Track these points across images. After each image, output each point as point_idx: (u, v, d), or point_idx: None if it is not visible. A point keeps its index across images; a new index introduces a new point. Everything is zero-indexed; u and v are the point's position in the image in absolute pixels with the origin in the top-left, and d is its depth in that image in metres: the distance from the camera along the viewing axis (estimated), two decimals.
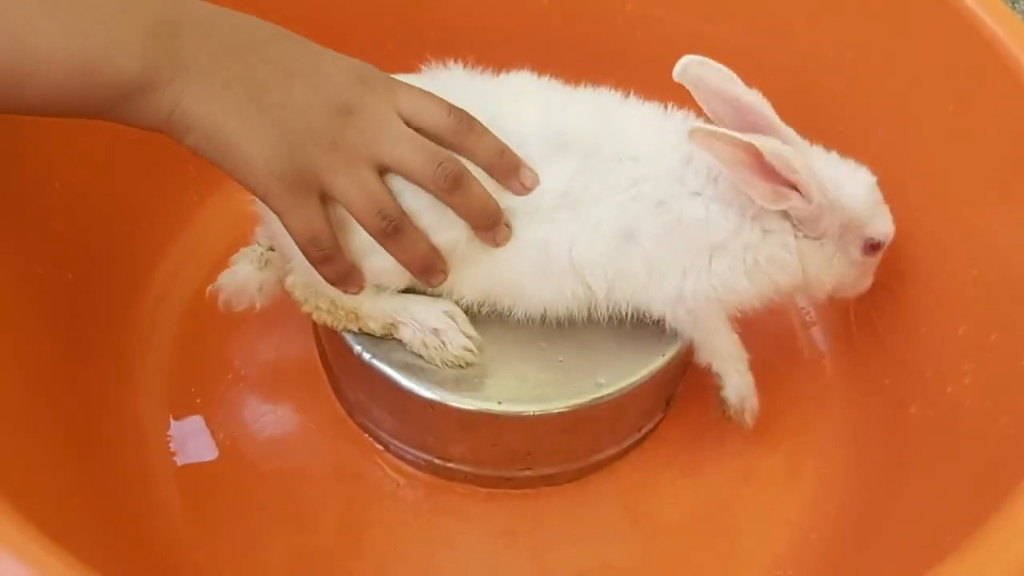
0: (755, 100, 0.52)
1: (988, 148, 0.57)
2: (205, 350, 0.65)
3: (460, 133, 0.49)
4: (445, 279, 0.53)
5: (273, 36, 0.48)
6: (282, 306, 0.59)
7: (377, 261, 0.52)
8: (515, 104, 0.52)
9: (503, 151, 0.50)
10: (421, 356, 0.55)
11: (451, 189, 0.49)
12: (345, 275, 0.52)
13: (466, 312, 0.56)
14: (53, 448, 0.53)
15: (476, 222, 0.51)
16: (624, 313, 0.55)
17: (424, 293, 0.55)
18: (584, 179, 0.52)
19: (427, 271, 0.52)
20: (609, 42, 0.72)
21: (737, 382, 0.57)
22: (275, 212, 0.48)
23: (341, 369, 0.61)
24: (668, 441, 0.62)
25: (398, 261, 0.51)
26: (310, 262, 0.50)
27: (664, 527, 0.60)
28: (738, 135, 0.50)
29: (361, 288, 0.53)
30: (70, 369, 0.57)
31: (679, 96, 0.53)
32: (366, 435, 0.62)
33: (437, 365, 0.55)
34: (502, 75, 0.55)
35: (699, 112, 0.54)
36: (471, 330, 0.56)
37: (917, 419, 0.57)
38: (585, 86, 0.56)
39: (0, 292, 0.53)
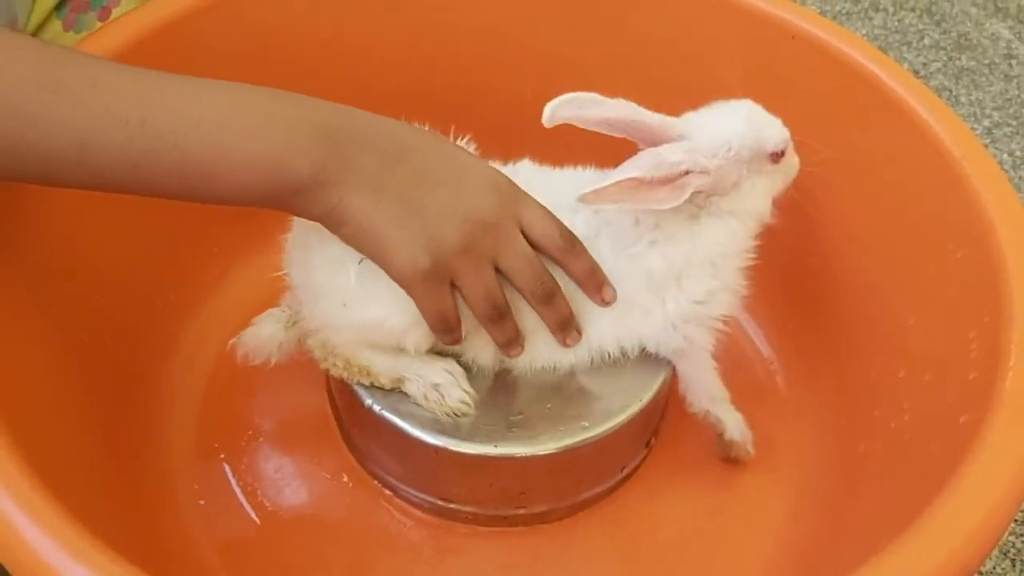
0: (623, 111, 0.58)
1: (919, 211, 0.66)
2: (227, 407, 0.72)
3: (565, 252, 0.58)
4: (522, 352, 0.61)
5: (423, 145, 0.56)
6: (295, 368, 0.66)
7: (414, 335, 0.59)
8: (527, 192, 0.59)
9: (595, 271, 0.59)
10: (423, 407, 0.62)
11: (545, 302, 0.58)
12: (457, 341, 0.60)
13: (473, 371, 0.63)
14: (94, 490, 0.59)
15: (555, 328, 0.60)
16: (624, 354, 0.63)
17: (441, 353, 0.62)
18: None
19: (510, 346, 0.61)
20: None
21: (736, 420, 0.65)
22: (412, 297, 0.55)
23: (352, 421, 0.68)
24: (649, 479, 0.69)
25: (493, 339, 0.60)
26: (436, 335, 0.58)
27: (647, 558, 0.66)
28: (613, 177, 0.56)
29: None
30: (109, 425, 0.63)
31: None
32: (375, 481, 0.68)
33: (438, 415, 0.61)
34: (509, 164, 0.63)
35: None
36: (467, 385, 0.62)
37: (866, 452, 0.64)
38: (565, 166, 0.64)
39: (52, 358, 0.60)
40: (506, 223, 0.56)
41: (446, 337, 0.59)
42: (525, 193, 0.58)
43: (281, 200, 0.52)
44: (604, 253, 0.60)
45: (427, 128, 0.59)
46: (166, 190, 0.51)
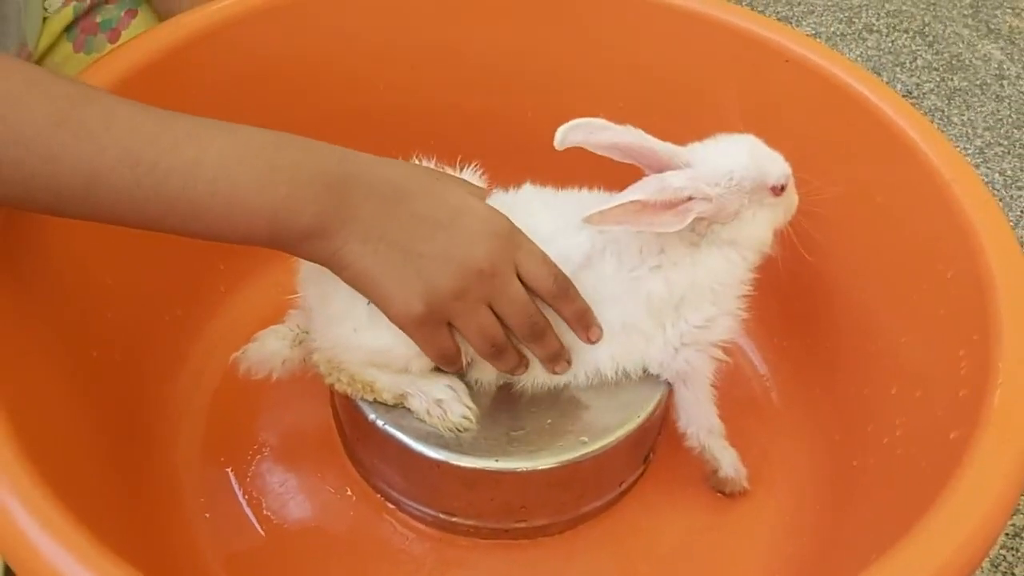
0: (632, 137, 0.59)
1: (911, 232, 0.67)
2: (233, 422, 0.73)
3: (557, 297, 0.59)
4: (526, 371, 0.63)
5: (422, 189, 0.57)
6: (300, 383, 0.67)
7: (419, 362, 0.61)
8: (531, 216, 0.61)
9: (584, 313, 0.61)
10: (426, 422, 0.63)
11: (535, 340, 0.60)
12: (460, 370, 0.63)
13: (475, 387, 0.64)
14: (102, 501, 0.60)
15: (545, 360, 0.62)
16: (627, 376, 0.64)
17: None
18: (590, 281, 0.61)
19: (513, 372, 0.63)
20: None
21: (731, 457, 0.66)
22: (411, 338, 0.58)
23: (356, 436, 0.69)
24: (647, 494, 0.70)
25: (496, 368, 0.62)
26: (439, 366, 0.61)
27: (646, 571, 0.67)
28: (618, 199, 0.58)
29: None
30: (117, 438, 0.65)
31: None
32: (378, 495, 0.69)
33: (440, 430, 0.63)
34: (512, 190, 0.65)
35: None
36: (469, 401, 0.63)
37: (860, 467, 0.65)
38: (569, 187, 0.66)
39: (62, 372, 0.61)
40: (501, 268, 0.57)
41: (449, 368, 0.61)
42: (523, 235, 0.59)
43: (284, 245, 0.54)
44: (607, 273, 0.61)
45: (433, 163, 0.60)
46: (170, 228, 0.52)
